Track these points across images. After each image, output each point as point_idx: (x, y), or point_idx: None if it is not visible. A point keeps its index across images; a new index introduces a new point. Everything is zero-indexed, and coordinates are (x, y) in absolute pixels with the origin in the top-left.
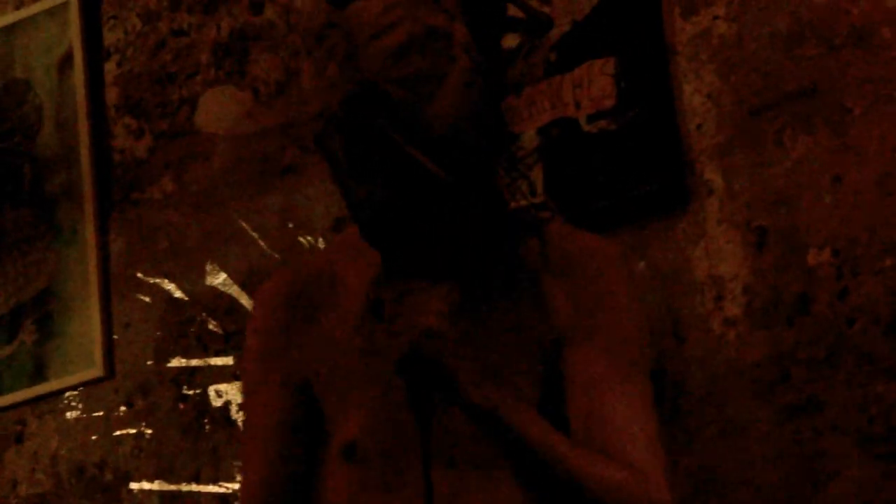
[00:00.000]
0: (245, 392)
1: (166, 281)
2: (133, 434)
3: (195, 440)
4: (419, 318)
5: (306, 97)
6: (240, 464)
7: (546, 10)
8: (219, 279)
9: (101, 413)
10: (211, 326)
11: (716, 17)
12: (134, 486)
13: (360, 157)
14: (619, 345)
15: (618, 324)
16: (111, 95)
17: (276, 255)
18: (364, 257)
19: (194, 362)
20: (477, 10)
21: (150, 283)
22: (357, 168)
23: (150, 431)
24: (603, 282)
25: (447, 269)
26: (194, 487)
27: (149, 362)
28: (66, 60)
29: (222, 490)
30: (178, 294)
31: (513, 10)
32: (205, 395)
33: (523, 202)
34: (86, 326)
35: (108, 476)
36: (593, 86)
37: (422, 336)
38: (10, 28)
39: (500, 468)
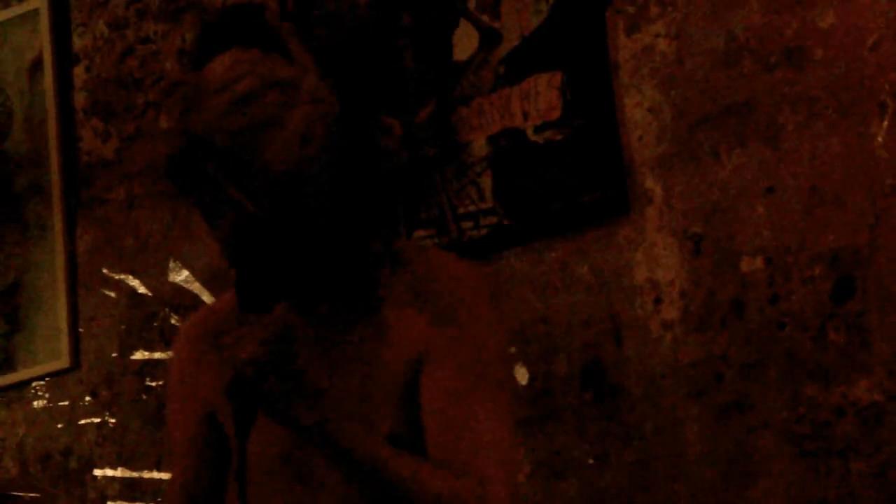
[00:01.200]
0: (167, 420)
1: (131, 277)
2: (97, 423)
3: (157, 429)
4: (245, 346)
5: None
6: None
7: (496, 25)
8: (181, 276)
9: (66, 403)
10: (173, 321)
11: (657, 35)
12: (97, 472)
13: (202, 200)
14: (471, 360)
15: (470, 340)
16: (79, 99)
17: None
18: None
19: (157, 355)
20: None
21: (116, 279)
22: (205, 210)
23: (113, 421)
24: (456, 302)
25: (286, 299)
26: (155, 475)
27: (113, 354)
28: (37, 65)
29: None
30: (142, 290)
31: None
32: (166, 386)
33: (472, 207)
34: (53, 319)
35: (73, 463)
36: (540, 98)
37: (243, 364)
38: None
39: (331, 484)
